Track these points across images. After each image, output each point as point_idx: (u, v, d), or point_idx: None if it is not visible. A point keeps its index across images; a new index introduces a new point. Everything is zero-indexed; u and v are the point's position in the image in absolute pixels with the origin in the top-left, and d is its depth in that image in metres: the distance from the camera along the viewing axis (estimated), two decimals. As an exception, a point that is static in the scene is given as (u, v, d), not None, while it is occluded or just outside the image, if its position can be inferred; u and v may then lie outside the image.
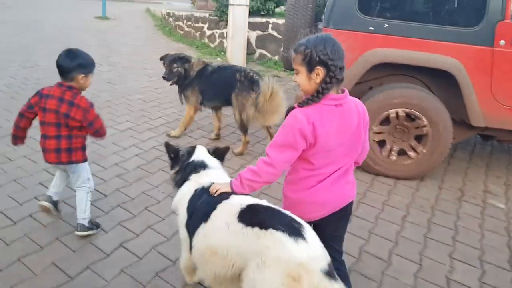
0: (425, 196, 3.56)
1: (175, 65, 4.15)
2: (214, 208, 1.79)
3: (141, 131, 4.49)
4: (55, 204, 2.68)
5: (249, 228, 1.60)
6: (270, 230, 1.54)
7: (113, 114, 4.92)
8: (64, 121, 2.42)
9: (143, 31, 11.02)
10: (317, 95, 1.65)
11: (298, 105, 1.69)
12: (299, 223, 1.60)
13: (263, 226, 1.57)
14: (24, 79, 6.04)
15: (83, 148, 2.58)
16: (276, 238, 1.52)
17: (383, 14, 3.54)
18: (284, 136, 1.68)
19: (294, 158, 1.71)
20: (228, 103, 4.11)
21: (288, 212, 1.68)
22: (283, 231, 1.52)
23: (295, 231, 1.54)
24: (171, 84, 4.27)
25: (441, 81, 3.65)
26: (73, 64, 2.43)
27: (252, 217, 1.64)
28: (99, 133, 2.55)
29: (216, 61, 7.53)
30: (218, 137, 4.46)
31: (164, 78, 4.19)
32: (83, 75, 2.46)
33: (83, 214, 2.60)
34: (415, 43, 3.41)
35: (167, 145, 2.18)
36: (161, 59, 4.31)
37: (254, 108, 3.89)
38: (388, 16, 3.51)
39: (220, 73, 4.17)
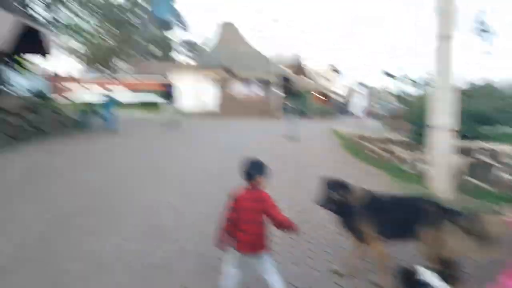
0: None
1: (332, 191, 3.85)
2: None
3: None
4: None
5: None
6: None
7: (311, 250, 4.66)
8: (258, 218, 3.14)
9: (330, 152, 11.22)
10: None
11: None
12: None
13: None
14: (221, 202, 6.40)
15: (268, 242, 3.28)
16: None
17: None
18: None
19: None
20: (405, 237, 3.69)
21: None
22: None
23: None
24: (326, 209, 3.91)
25: None
26: (256, 170, 3.26)
27: None
28: (282, 222, 3.11)
29: (413, 190, 6.91)
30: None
31: (318, 203, 3.89)
32: (263, 177, 3.26)
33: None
34: None
35: (404, 271, 2.31)
36: (321, 182, 4.00)
37: (459, 241, 3.36)
38: None
39: (394, 204, 3.81)
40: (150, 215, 5.70)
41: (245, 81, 29.41)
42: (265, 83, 29.51)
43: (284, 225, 3.16)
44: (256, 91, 29.70)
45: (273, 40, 30.80)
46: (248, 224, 3.17)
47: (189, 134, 15.06)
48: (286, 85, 30.00)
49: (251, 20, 79.62)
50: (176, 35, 52.22)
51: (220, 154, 10.64)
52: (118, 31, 46.97)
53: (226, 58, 29.43)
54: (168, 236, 4.97)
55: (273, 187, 6.85)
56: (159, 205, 6.19)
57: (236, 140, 13.28)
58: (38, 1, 17.85)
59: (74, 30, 34.03)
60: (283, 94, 29.29)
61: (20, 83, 16.33)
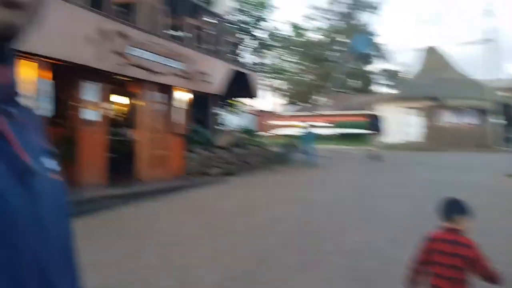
0: None
1: None
2: None
3: None
4: None
5: None
6: None
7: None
8: (456, 263, 2.89)
9: None
10: None
11: None
12: None
13: None
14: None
15: None
16: None
17: None
18: None
19: None
20: None
21: None
22: None
23: None
24: None
25: None
26: (455, 209, 3.04)
27: None
28: (492, 275, 2.85)
29: None
30: None
31: None
32: (464, 218, 3.00)
33: None
34: None
35: None
36: None
37: None
38: None
39: None
40: (353, 258, 5.50)
41: (455, 110, 27.15)
42: (480, 112, 26.67)
43: (494, 279, 2.93)
44: (468, 120, 27.09)
45: (487, 62, 27.70)
46: (445, 268, 2.98)
47: (393, 168, 14.51)
48: (508, 112, 26.53)
49: (456, 43, 73.82)
50: (375, 66, 52.01)
51: (427, 192, 9.81)
52: (318, 67, 49.60)
53: (431, 86, 27.77)
54: (373, 284, 4.69)
55: (491, 233, 6.00)
56: (363, 247, 5.94)
57: (445, 176, 12.14)
58: (246, 49, 20.23)
59: (277, 70, 37.28)
60: (504, 123, 25.98)
61: (231, 121, 18.52)
